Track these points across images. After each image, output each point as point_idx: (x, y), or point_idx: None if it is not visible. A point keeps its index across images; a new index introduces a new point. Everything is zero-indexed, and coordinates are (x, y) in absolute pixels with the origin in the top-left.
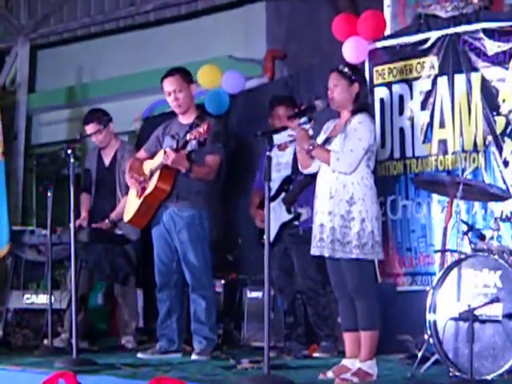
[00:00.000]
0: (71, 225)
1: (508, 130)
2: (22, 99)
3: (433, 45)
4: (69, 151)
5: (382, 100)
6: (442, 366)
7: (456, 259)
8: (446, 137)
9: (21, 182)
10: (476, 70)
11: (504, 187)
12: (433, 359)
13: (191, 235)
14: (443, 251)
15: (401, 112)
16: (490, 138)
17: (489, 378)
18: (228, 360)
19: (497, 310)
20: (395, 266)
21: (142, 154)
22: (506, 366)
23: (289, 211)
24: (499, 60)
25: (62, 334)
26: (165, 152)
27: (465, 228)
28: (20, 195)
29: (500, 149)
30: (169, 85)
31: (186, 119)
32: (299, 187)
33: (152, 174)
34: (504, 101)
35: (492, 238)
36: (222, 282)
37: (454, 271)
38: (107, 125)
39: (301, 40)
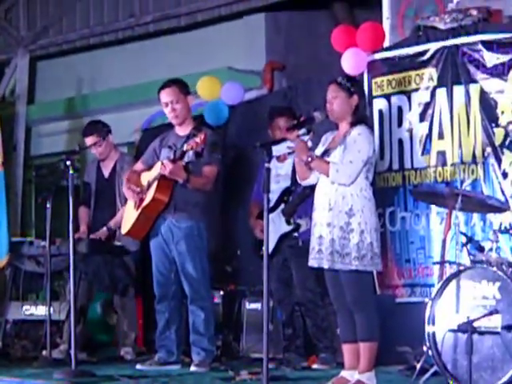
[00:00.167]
0: (70, 236)
1: (507, 142)
2: (21, 110)
3: (432, 56)
4: (68, 162)
5: (380, 112)
6: (440, 378)
7: (455, 271)
8: (444, 148)
9: (20, 193)
10: (475, 81)
11: (503, 199)
12: (432, 371)
13: (189, 246)
14: (442, 263)
15: (399, 124)
16: (488, 149)
17: None
18: (227, 371)
19: (496, 322)
20: (394, 277)
21: (139, 166)
22: (505, 378)
23: (288, 222)
24: (498, 72)
25: (61, 346)
26: (162, 163)
27: (464, 240)
28: (19, 206)
29: (499, 160)
30: (166, 96)
31: (182, 130)
32: (299, 198)
33: (150, 185)
34: (503, 112)
35: (491, 249)
36: (221, 293)
37: (453, 283)
38: (106, 136)
39: (300, 51)
